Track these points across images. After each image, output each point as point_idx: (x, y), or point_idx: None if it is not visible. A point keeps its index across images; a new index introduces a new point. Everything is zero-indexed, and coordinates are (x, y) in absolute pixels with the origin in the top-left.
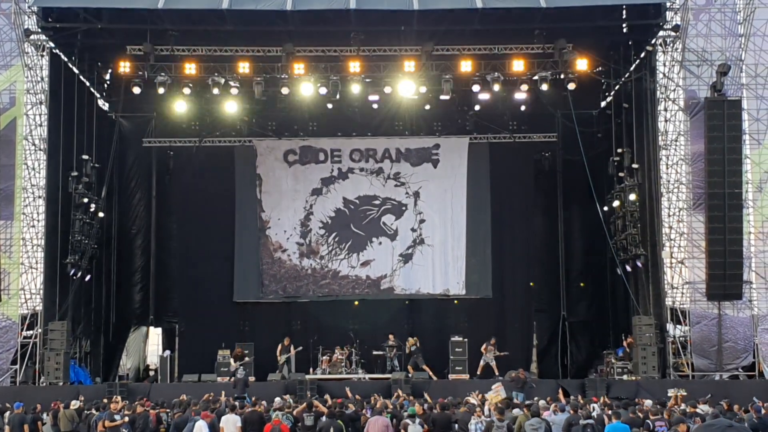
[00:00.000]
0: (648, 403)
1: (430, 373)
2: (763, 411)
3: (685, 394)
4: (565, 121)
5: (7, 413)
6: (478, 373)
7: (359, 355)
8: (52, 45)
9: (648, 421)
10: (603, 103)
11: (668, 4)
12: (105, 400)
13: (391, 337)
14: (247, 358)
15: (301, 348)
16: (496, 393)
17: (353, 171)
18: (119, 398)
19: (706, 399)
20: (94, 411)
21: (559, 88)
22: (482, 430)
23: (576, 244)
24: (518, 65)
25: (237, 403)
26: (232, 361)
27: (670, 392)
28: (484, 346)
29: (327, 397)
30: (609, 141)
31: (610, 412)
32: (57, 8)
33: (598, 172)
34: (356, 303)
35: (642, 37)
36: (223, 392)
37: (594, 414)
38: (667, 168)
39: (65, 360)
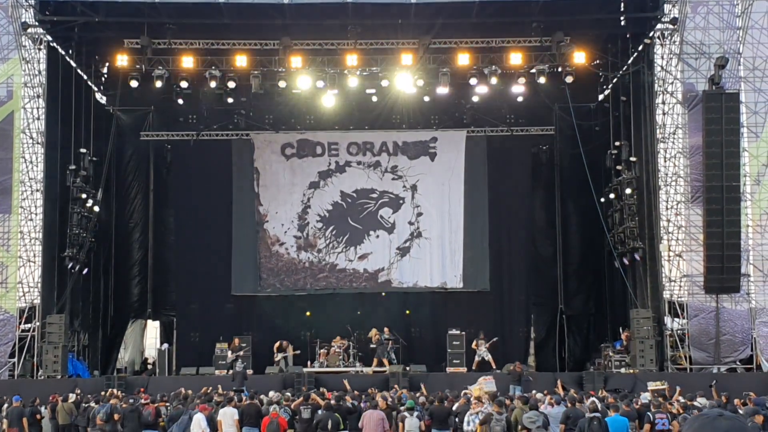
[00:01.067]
0: (646, 396)
1: (388, 367)
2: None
3: (667, 387)
4: (563, 114)
5: (5, 406)
6: (474, 368)
7: (357, 348)
8: (49, 38)
9: (648, 413)
10: (601, 96)
11: None
12: (104, 393)
13: (386, 330)
14: (242, 350)
15: (299, 352)
16: (480, 386)
17: (350, 164)
18: (118, 391)
19: (711, 384)
20: (93, 404)
21: (556, 81)
22: (476, 422)
23: (573, 237)
24: (516, 58)
25: (235, 396)
26: (229, 352)
27: (650, 386)
28: (474, 343)
29: (323, 390)
30: (607, 134)
31: (601, 405)
32: (54, 1)
33: (595, 165)
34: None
35: (640, 29)
36: (219, 386)
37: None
38: (665, 161)
39: (63, 353)
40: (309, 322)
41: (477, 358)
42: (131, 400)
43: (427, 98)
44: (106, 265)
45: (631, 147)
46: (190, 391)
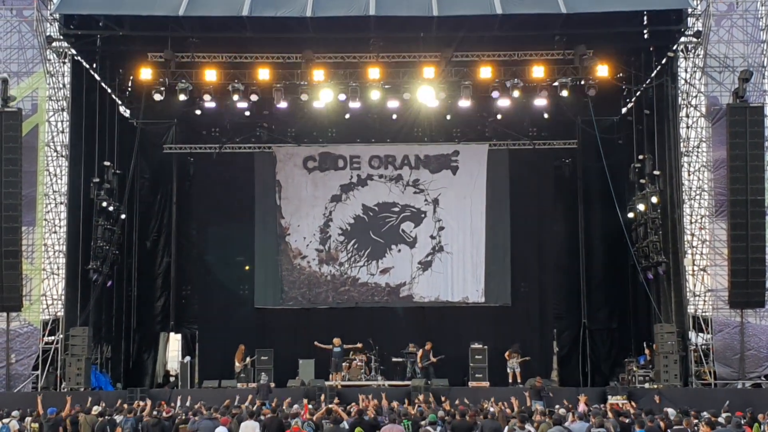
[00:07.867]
0: (671, 412)
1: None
2: None
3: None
4: (586, 128)
5: (28, 418)
6: (510, 381)
7: (378, 361)
8: (73, 52)
9: (669, 431)
10: (624, 110)
11: (690, 10)
12: (126, 406)
13: (428, 344)
14: (248, 359)
15: (254, 357)
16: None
17: (372, 178)
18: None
19: (725, 407)
20: (111, 417)
21: (579, 95)
22: None
23: (597, 252)
24: (538, 71)
25: (256, 409)
26: (236, 363)
27: (611, 399)
28: (507, 352)
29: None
30: (630, 147)
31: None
32: (79, 15)
33: (619, 178)
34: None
35: (663, 43)
36: (243, 407)
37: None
38: (689, 175)
39: (86, 366)
40: (329, 336)
41: (509, 371)
42: (155, 412)
43: (448, 112)
44: (129, 278)
45: (654, 160)
46: (200, 403)
